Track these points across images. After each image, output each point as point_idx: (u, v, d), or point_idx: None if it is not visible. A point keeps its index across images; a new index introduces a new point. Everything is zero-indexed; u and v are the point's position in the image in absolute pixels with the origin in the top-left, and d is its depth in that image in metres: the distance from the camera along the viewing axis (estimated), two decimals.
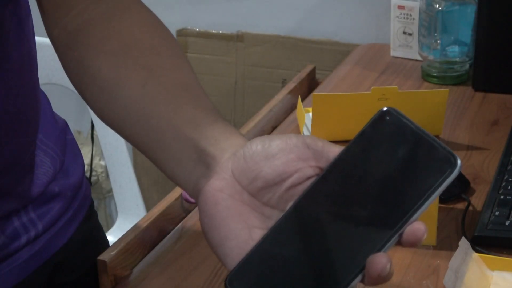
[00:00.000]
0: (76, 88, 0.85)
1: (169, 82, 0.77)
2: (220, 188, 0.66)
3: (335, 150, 0.67)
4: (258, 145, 0.66)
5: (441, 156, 0.61)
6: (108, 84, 0.79)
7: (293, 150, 0.66)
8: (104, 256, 1.01)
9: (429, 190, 0.60)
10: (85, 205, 1.04)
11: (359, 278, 0.61)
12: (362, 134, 0.65)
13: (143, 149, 0.77)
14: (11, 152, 0.89)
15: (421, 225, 0.62)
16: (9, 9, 0.85)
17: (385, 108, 0.64)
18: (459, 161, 0.60)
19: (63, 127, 1.03)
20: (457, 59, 1.53)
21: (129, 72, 0.79)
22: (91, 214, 1.07)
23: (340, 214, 0.62)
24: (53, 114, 1.02)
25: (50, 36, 0.87)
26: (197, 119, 0.72)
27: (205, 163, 0.69)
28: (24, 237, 0.94)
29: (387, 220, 0.61)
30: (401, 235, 0.61)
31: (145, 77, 0.78)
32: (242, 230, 0.64)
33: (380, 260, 0.59)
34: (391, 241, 0.60)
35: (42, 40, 1.56)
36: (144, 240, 1.07)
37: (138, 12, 0.85)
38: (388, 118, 0.63)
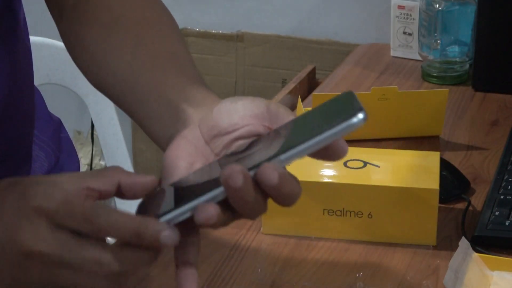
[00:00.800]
0: (72, 57, 0.90)
1: (157, 51, 0.81)
2: (184, 135, 0.71)
3: (290, 118, 0.69)
4: (227, 102, 0.72)
5: (350, 109, 0.63)
6: (99, 54, 0.84)
7: (254, 109, 0.70)
8: None
9: (323, 131, 0.63)
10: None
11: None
12: (313, 109, 0.68)
13: (127, 110, 0.81)
14: (8, 141, 0.89)
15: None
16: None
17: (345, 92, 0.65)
18: (360, 115, 0.62)
19: (58, 125, 1.04)
20: (457, 59, 1.53)
21: (119, 42, 0.83)
22: None
23: (250, 158, 0.66)
24: (48, 112, 1.03)
25: (52, 13, 0.91)
26: (182, 85, 0.77)
27: (184, 122, 0.73)
28: None
29: (284, 144, 0.64)
30: (282, 162, 0.63)
31: (134, 46, 0.82)
32: (184, 168, 0.69)
33: (233, 169, 0.62)
34: (265, 160, 0.63)
35: (42, 40, 1.56)
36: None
37: None
38: (341, 97, 0.64)
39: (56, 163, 1.00)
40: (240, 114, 0.70)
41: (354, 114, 0.62)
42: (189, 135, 0.72)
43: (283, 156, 0.63)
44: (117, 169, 0.66)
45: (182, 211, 0.64)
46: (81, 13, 0.87)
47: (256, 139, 0.69)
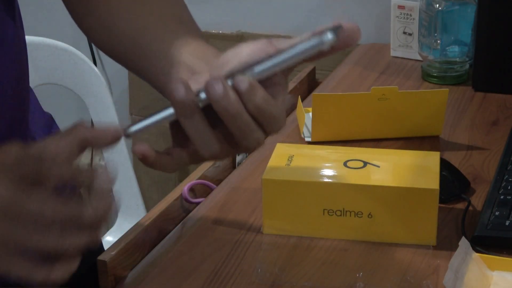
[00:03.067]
0: (76, 21, 0.92)
1: (165, 15, 0.86)
2: (194, 77, 0.76)
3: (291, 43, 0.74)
4: (232, 48, 0.76)
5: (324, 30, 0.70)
6: (107, 16, 0.87)
7: (258, 45, 0.74)
8: (104, 256, 1.01)
9: (295, 47, 0.70)
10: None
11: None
12: None
13: (136, 68, 0.86)
14: (5, 126, 0.89)
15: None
16: None
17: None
18: (328, 36, 0.69)
19: (49, 120, 1.05)
20: (457, 59, 1.53)
21: (127, 6, 0.87)
22: None
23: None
24: (40, 106, 1.04)
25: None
26: (191, 43, 0.81)
27: (191, 70, 0.78)
28: None
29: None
30: (256, 74, 0.69)
31: (142, 10, 0.86)
32: None
33: (213, 77, 0.68)
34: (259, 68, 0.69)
35: (42, 40, 1.56)
36: (144, 240, 1.07)
37: None
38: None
39: None
40: (247, 51, 0.73)
41: (325, 33, 0.68)
42: (198, 78, 0.74)
43: (256, 68, 0.68)
44: (79, 127, 0.69)
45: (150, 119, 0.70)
46: None
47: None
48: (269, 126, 0.69)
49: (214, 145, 0.68)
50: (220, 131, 0.69)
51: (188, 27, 0.86)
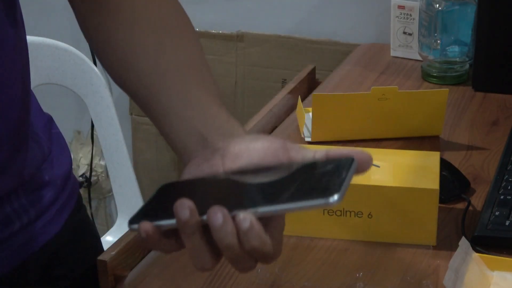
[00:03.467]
0: (96, 55, 0.92)
1: (179, 60, 0.86)
2: (205, 157, 0.77)
3: (303, 155, 0.74)
4: (247, 141, 0.76)
5: (332, 184, 0.69)
6: (124, 56, 0.87)
7: (272, 149, 0.74)
8: (104, 256, 1.01)
9: (299, 200, 0.68)
10: (74, 197, 1.06)
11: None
12: (314, 162, 0.74)
13: (150, 116, 0.86)
14: (7, 125, 0.89)
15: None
16: None
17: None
18: (335, 197, 0.67)
19: (49, 120, 1.06)
20: (457, 59, 1.53)
21: (142, 44, 0.87)
22: (80, 206, 1.09)
23: (246, 184, 0.73)
24: (39, 107, 1.05)
25: (72, 5, 0.93)
26: (203, 104, 0.82)
27: (203, 142, 0.79)
28: (17, 223, 0.96)
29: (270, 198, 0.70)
30: (256, 213, 0.69)
31: (157, 51, 0.86)
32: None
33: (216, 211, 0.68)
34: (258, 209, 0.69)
35: (42, 40, 1.56)
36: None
37: None
38: (342, 161, 0.73)
39: (48, 155, 1.01)
40: (260, 152, 0.74)
41: (330, 194, 0.67)
42: (210, 159, 0.77)
43: (261, 209, 0.69)
44: None
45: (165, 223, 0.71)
46: (102, 6, 0.89)
47: (266, 167, 0.74)
48: (261, 260, 0.71)
49: (207, 261, 0.71)
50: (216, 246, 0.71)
51: (204, 81, 0.86)
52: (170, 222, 0.70)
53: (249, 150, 0.74)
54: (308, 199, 0.67)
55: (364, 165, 0.72)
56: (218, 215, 0.67)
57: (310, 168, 0.73)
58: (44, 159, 1.00)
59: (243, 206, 0.69)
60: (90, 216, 1.15)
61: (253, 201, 0.70)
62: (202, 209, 0.69)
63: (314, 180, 0.70)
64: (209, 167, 0.75)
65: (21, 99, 0.92)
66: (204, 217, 0.69)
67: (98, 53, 0.92)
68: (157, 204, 0.74)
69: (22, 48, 0.93)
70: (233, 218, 0.68)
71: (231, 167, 0.74)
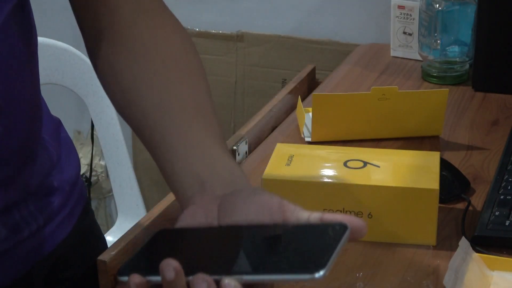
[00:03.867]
0: (101, 82, 0.91)
1: (185, 100, 0.85)
2: (203, 207, 0.76)
3: (300, 215, 0.74)
4: (245, 195, 0.75)
5: (320, 257, 0.69)
6: (129, 90, 0.87)
7: (269, 209, 0.73)
8: (104, 256, 1.01)
9: (286, 272, 0.69)
10: (81, 201, 1.05)
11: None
12: (306, 225, 0.74)
13: (152, 153, 0.85)
14: (19, 140, 0.90)
15: None
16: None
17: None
18: (320, 273, 0.68)
19: (58, 125, 1.05)
20: (457, 59, 1.53)
21: (149, 81, 0.86)
22: (88, 211, 1.09)
23: (238, 242, 0.73)
24: (48, 111, 1.04)
25: (80, 27, 0.93)
26: (206, 148, 0.82)
27: (201, 187, 0.79)
28: (26, 230, 0.95)
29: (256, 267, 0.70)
30: (242, 280, 0.69)
31: (164, 89, 0.85)
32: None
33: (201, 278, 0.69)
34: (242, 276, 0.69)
35: (42, 40, 1.56)
36: (144, 240, 1.07)
37: (163, 17, 0.91)
38: (334, 227, 0.72)
39: (57, 162, 1.01)
40: (256, 210, 0.73)
41: (316, 269, 0.68)
42: (206, 209, 0.76)
43: (246, 277, 0.69)
44: None
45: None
46: (112, 36, 0.89)
47: (258, 226, 0.74)
48: None
49: None
50: None
51: (209, 122, 0.85)
52: (158, 278, 0.70)
53: (245, 206, 0.73)
54: (294, 273, 0.68)
55: (358, 234, 0.71)
56: (203, 285, 0.68)
57: (302, 232, 0.73)
58: (52, 166, 1.00)
59: (230, 271, 0.70)
60: None
61: (240, 266, 0.71)
62: (190, 268, 0.70)
63: (304, 249, 0.71)
64: (204, 217, 0.75)
65: (31, 114, 0.92)
66: (190, 277, 0.70)
67: (103, 81, 0.91)
68: (149, 255, 0.76)
69: (34, 63, 0.92)
70: (218, 282, 0.68)
71: (225, 221, 0.74)
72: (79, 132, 2.17)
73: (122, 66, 0.88)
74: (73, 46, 1.63)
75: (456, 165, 1.19)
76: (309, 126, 1.31)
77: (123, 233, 1.07)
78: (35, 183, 0.96)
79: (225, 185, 0.78)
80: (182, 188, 0.81)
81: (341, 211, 1.04)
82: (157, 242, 0.76)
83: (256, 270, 0.70)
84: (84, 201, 1.07)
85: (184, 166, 0.81)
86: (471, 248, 0.99)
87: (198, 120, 0.84)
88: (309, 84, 1.58)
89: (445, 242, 1.04)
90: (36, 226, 0.96)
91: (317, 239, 0.71)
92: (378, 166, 1.07)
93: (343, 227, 0.70)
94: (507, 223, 1.04)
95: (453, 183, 1.14)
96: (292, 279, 0.68)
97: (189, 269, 0.70)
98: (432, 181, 1.03)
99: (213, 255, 0.74)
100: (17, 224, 0.94)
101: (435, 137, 1.31)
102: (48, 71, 1.60)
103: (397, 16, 1.62)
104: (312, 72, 1.60)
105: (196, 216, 0.76)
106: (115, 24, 0.90)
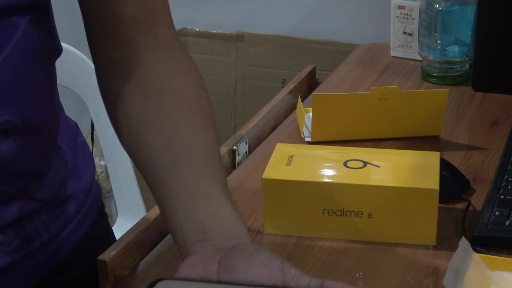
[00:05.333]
0: (108, 114, 0.90)
1: (192, 145, 0.84)
2: (203, 260, 0.75)
3: (298, 282, 0.72)
4: (246, 254, 0.74)
5: None
6: (137, 127, 0.86)
7: (270, 272, 0.72)
8: (104, 256, 1.01)
9: None
10: (95, 207, 1.05)
11: None
12: None
13: (155, 195, 0.84)
14: (32, 158, 0.89)
15: None
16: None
17: None
18: None
19: (74, 130, 1.05)
20: (457, 59, 1.53)
21: (158, 121, 0.85)
22: (102, 215, 1.08)
23: None
24: (66, 117, 1.03)
25: (93, 57, 0.92)
26: (210, 196, 0.80)
27: (203, 237, 0.78)
28: (37, 241, 0.94)
29: None
30: None
31: (172, 132, 0.84)
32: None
33: None
34: None
35: None
36: (144, 240, 1.07)
37: (178, 55, 0.90)
38: None
39: (73, 170, 1.00)
40: (255, 273, 0.72)
41: None
42: (206, 262, 0.75)
43: None
44: None
45: None
46: (126, 70, 0.88)
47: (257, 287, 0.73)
48: None
49: None
50: None
51: (214, 170, 0.84)
52: None
53: (246, 265, 0.73)
54: None
55: None
56: None
57: None
58: (68, 175, 0.99)
59: None
60: None
61: None
62: None
63: None
64: (203, 271, 0.74)
65: (48, 132, 0.91)
66: None
67: (111, 115, 0.90)
68: None
69: (53, 81, 0.92)
70: None
71: (225, 278, 0.73)
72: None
73: (132, 103, 0.87)
74: (74, 46, 1.63)
75: (456, 165, 1.19)
76: (309, 126, 1.31)
77: (123, 233, 1.07)
78: (49, 194, 0.95)
79: (227, 237, 0.77)
80: (183, 236, 0.79)
81: (341, 211, 1.04)
82: None
83: None
84: (98, 207, 1.06)
85: (186, 213, 0.80)
86: (471, 248, 0.99)
87: (204, 167, 0.83)
88: (309, 84, 1.58)
89: (445, 242, 1.04)
90: (48, 237, 0.96)
91: None
92: (378, 166, 1.07)
93: None
94: (507, 223, 1.04)
95: (453, 183, 1.14)
96: None
97: None
98: (432, 181, 1.03)
99: None
100: (29, 235, 0.93)
101: (435, 137, 1.31)
102: None
103: (397, 16, 1.62)
104: (312, 72, 1.60)
105: (195, 269, 0.74)
106: (129, 58, 0.88)
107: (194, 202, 0.80)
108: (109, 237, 1.12)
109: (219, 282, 0.74)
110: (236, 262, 0.73)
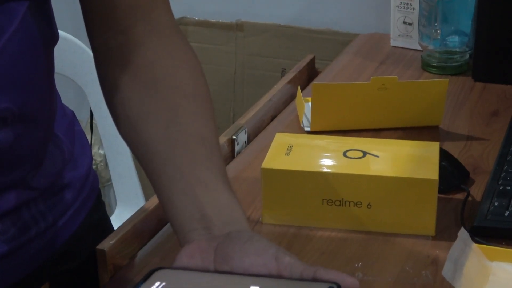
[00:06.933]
0: (106, 103, 0.90)
1: (189, 132, 0.84)
2: (200, 249, 0.75)
3: (295, 268, 0.73)
4: (241, 242, 0.74)
5: None
6: (135, 116, 0.86)
7: (264, 260, 0.73)
8: (103, 245, 1.01)
9: None
10: (93, 195, 1.05)
11: None
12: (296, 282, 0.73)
13: (154, 185, 0.84)
14: (29, 147, 0.89)
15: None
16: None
17: None
18: None
19: (72, 119, 1.05)
20: (457, 49, 1.53)
21: (155, 110, 0.85)
22: (99, 204, 1.08)
23: None
24: (62, 105, 1.03)
25: (91, 45, 0.92)
26: (208, 182, 0.81)
27: (203, 224, 0.78)
28: (34, 229, 0.94)
29: None
30: None
31: (169, 119, 0.84)
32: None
33: None
34: None
35: None
36: (143, 229, 1.07)
37: (176, 41, 0.90)
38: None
39: (70, 158, 1.00)
40: (251, 261, 0.73)
41: None
42: (204, 252, 0.75)
43: None
44: None
45: None
46: (123, 58, 0.88)
47: (252, 277, 0.73)
48: None
49: None
50: None
51: (213, 156, 0.84)
52: None
53: (242, 255, 0.73)
54: None
55: None
56: None
57: None
58: (65, 164, 0.99)
59: None
60: None
61: None
62: None
63: None
64: (201, 260, 0.74)
65: (45, 121, 0.91)
66: None
67: (109, 103, 0.90)
68: None
69: (51, 69, 0.92)
70: None
71: (222, 267, 0.74)
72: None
73: (129, 92, 0.87)
74: (73, 35, 1.63)
75: (456, 156, 1.19)
76: (309, 115, 1.31)
77: (122, 222, 1.07)
78: (46, 183, 0.95)
79: (224, 223, 0.78)
80: (181, 223, 0.80)
81: (340, 201, 1.04)
82: (152, 282, 0.75)
83: None
84: (95, 195, 1.06)
85: (184, 200, 0.80)
86: (470, 238, 0.99)
87: (202, 154, 0.83)
88: (309, 74, 1.58)
89: (444, 233, 1.04)
90: (45, 225, 0.96)
91: None
92: (378, 156, 1.07)
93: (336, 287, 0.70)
94: (506, 214, 1.04)
95: (452, 173, 1.14)
96: None
97: None
98: (431, 171, 1.03)
99: None
100: (26, 223, 0.93)
101: (435, 127, 1.31)
102: None
103: (397, 6, 1.62)
104: (312, 62, 1.60)
105: (193, 258, 0.75)
106: (126, 45, 0.88)
107: (191, 189, 0.80)
108: (107, 226, 1.12)
109: (216, 271, 0.74)
110: (232, 251, 0.74)
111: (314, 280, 0.71)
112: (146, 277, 0.75)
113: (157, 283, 0.74)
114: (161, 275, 0.76)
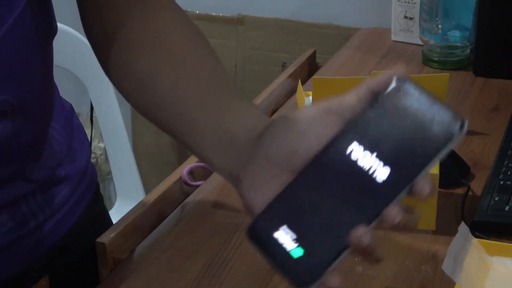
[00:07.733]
0: (113, 81, 0.90)
1: (198, 72, 0.84)
2: (254, 173, 0.73)
3: (350, 106, 0.74)
4: (293, 123, 0.72)
5: (447, 119, 0.68)
6: (145, 76, 0.86)
7: (320, 123, 0.72)
8: (103, 239, 1.01)
9: (434, 151, 0.69)
10: (91, 189, 1.05)
11: (373, 224, 0.73)
12: (376, 101, 0.72)
13: (179, 138, 0.83)
14: (27, 141, 0.89)
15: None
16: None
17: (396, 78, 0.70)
18: (465, 124, 0.67)
19: (70, 112, 1.04)
20: (458, 44, 1.53)
21: (162, 63, 0.85)
22: (97, 197, 1.08)
23: (357, 170, 0.69)
24: (60, 99, 1.03)
25: (88, 35, 0.92)
26: (225, 105, 0.80)
27: (236, 147, 0.76)
28: (32, 222, 0.94)
29: (399, 177, 0.68)
30: (410, 188, 0.69)
31: (177, 66, 0.85)
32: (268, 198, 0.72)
33: (393, 212, 0.71)
34: (401, 194, 0.70)
35: None
36: (143, 223, 1.07)
37: (172, 9, 0.92)
38: (399, 85, 0.70)
39: (68, 152, 1.00)
40: (314, 134, 0.71)
41: (454, 124, 0.68)
42: (261, 173, 0.73)
43: (398, 197, 0.70)
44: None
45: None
46: (122, 35, 0.88)
47: (334, 142, 0.71)
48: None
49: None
50: None
51: (223, 81, 0.84)
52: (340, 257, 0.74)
53: (300, 138, 0.71)
54: (441, 146, 0.69)
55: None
56: (365, 237, 0.73)
57: (377, 117, 0.70)
58: (63, 157, 0.99)
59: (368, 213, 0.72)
60: None
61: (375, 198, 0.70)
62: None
63: (414, 126, 0.68)
64: (270, 190, 0.72)
65: (44, 113, 0.91)
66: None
67: (117, 82, 0.90)
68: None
69: (50, 62, 0.92)
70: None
71: (290, 161, 0.71)
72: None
73: (133, 59, 0.87)
74: (73, 28, 1.63)
75: (456, 150, 1.19)
76: None
77: (121, 216, 1.07)
78: (44, 176, 0.95)
79: (258, 133, 0.75)
80: (213, 153, 0.78)
81: None
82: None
83: (403, 178, 0.68)
84: (93, 188, 1.06)
85: (213, 131, 0.79)
86: (470, 233, 0.99)
87: (213, 86, 0.83)
88: (310, 68, 1.58)
89: (445, 227, 1.04)
90: (43, 218, 0.96)
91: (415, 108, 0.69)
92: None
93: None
94: (506, 209, 1.04)
95: (453, 168, 1.14)
96: (440, 155, 0.69)
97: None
98: None
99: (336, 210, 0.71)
100: (24, 216, 0.93)
101: None
102: None
103: (398, 0, 1.62)
104: (313, 56, 1.60)
105: (269, 185, 0.72)
106: (123, 28, 0.88)
107: (217, 115, 0.79)
108: (106, 220, 1.12)
109: (314, 159, 0.71)
110: (291, 144, 0.71)
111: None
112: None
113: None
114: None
